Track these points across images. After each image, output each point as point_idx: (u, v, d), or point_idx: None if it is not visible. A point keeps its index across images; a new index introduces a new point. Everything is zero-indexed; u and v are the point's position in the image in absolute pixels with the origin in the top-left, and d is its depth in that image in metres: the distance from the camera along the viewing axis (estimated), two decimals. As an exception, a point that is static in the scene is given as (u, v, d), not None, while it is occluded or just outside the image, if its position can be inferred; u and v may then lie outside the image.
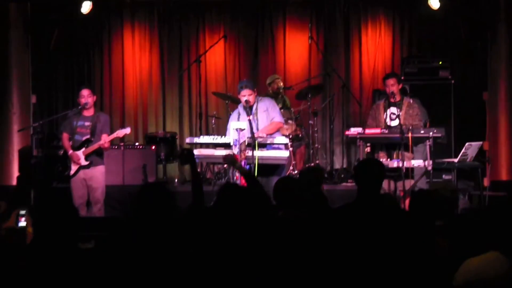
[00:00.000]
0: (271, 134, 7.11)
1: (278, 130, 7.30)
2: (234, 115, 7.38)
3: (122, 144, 9.49)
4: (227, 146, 6.87)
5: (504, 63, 9.43)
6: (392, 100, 7.64)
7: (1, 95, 9.47)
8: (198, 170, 9.54)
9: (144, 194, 3.80)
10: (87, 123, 7.45)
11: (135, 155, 9.09)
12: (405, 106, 7.55)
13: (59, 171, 7.54)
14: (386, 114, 7.64)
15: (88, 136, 7.40)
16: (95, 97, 7.58)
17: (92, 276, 3.21)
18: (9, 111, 9.43)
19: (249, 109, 7.18)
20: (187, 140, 7.40)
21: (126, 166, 8.89)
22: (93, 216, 7.38)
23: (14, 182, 9.24)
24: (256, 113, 7.19)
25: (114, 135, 7.50)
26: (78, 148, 7.39)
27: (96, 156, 7.44)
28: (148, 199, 3.75)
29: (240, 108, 7.30)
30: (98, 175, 7.48)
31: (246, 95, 7.16)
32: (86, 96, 7.41)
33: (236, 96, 9.76)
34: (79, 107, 7.46)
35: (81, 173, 7.41)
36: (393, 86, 7.60)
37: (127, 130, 7.60)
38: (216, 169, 9.34)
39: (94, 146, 7.34)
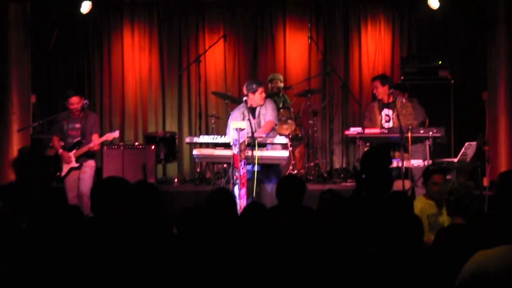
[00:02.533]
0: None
1: (271, 130, 7.34)
2: (236, 114, 7.36)
3: (122, 144, 9.49)
4: (227, 145, 6.87)
5: (504, 63, 9.42)
6: (385, 101, 7.66)
7: (1, 95, 9.47)
8: (198, 170, 9.64)
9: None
10: (77, 125, 7.57)
11: (135, 154, 9.09)
12: (398, 107, 7.54)
13: (51, 172, 7.65)
14: (382, 116, 7.65)
15: (79, 138, 7.51)
16: (83, 100, 7.61)
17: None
18: (9, 111, 9.42)
19: (251, 110, 7.24)
20: (187, 139, 7.40)
21: (126, 166, 8.90)
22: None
23: (13, 182, 9.24)
24: (259, 116, 7.25)
25: (104, 138, 7.59)
26: (70, 150, 7.51)
27: (85, 157, 7.54)
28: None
29: (244, 109, 7.30)
30: (86, 168, 7.58)
31: (263, 91, 7.29)
32: (75, 103, 7.50)
33: (235, 96, 9.80)
34: (69, 111, 7.57)
35: (73, 174, 7.52)
36: (376, 89, 7.63)
37: (116, 134, 7.69)
38: (216, 169, 9.35)
39: (84, 149, 7.46)
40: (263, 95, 7.32)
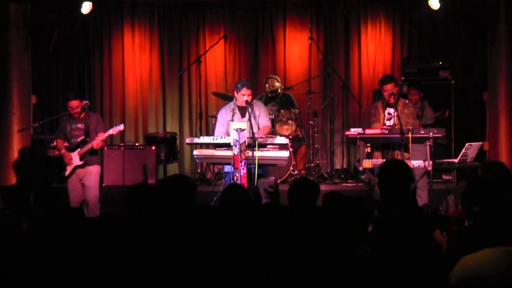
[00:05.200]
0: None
1: (267, 134, 7.35)
2: (227, 112, 7.35)
3: (122, 144, 9.49)
4: (227, 146, 6.87)
5: (504, 63, 9.42)
6: (389, 101, 7.66)
7: (1, 95, 9.47)
8: (199, 170, 9.64)
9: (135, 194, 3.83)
10: (79, 125, 7.57)
11: (135, 155, 9.09)
12: (400, 107, 7.54)
13: (55, 173, 7.64)
14: (384, 115, 7.65)
15: (83, 137, 7.50)
16: (83, 102, 7.61)
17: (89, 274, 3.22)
18: (9, 111, 9.42)
19: (241, 110, 7.23)
20: (187, 140, 7.39)
21: (126, 166, 8.91)
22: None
23: (14, 182, 9.25)
24: (250, 119, 7.21)
25: (109, 132, 7.55)
26: (74, 149, 7.50)
27: (90, 156, 7.53)
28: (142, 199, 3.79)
29: (235, 106, 7.29)
30: (91, 173, 7.56)
31: (246, 94, 7.19)
32: (75, 107, 7.49)
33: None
34: (68, 112, 7.56)
35: (77, 173, 7.51)
36: (391, 90, 7.58)
37: (121, 127, 7.65)
38: (216, 170, 9.34)
39: (88, 146, 7.44)
40: (250, 96, 7.28)
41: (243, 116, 7.23)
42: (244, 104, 7.20)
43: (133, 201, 3.85)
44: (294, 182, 4.91)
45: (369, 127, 7.55)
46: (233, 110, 7.24)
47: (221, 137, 7.02)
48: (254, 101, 7.49)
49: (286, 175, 8.98)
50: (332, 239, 3.50)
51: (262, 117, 7.39)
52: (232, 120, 7.09)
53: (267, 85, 9.72)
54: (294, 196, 4.62)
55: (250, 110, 7.25)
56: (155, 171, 9.18)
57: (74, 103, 7.47)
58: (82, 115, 7.58)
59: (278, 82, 9.75)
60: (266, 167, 7.16)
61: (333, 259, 3.25)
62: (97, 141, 7.40)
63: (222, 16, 10.73)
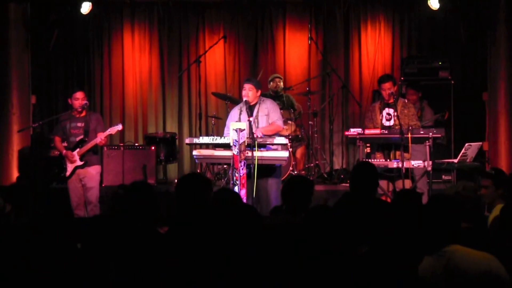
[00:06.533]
0: (268, 136, 7.04)
1: (276, 133, 7.22)
2: (235, 110, 7.29)
3: (122, 144, 9.50)
4: (226, 146, 6.86)
5: (504, 64, 9.42)
6: (387, 101, 7.64)
7: (1, 95, 9.47)
8: (198, 170, 9.63)
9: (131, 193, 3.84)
10: (79, 124, 7.56)
11: (135, 155, 9.11)
12: (399, 106, 7.52)
13: (55, 173, 7.62)
14: (382, 115, 7.63)
15: (82, 136, 7.49)
16: (86, 98, 7.60)
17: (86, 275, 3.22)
18: (9, 111, 9.42)
19: (249, 109, 7.14)
20: (187, 140, 7.37)
21: (126, 166, 8.92)
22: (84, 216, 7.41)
23: (13, 182, 9.24)
24: (257, 116, 7.13)
25: (107, 132, 7.55)
26: (73, 149, 7.49)
27: (91, 156, 7.52)
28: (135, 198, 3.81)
29: (243, 106, 7.21)
30: (92, 174, 7.55)
31: (246, 88, 7.12)
32: (81, 99, 7.48)
33: (235, 97, 9.78)
34: (72, 110, 7.54)
35: (77, 173, 7.48)
36: (389, 89, 7.55)
37: (119, 127, 7.66)
38: (216, 170, 9.35)
39: (88, 145, 7.44)
40: (250, 91, 7.15)
41: (250, 115, 7.15)
42: (244, 104, 7.15)
43: (133, 198, 3.86)
44: (288, 180, 4.90)
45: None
46: (241, 109, 7.18)
47: (221, 137, 7.00)
48: (263, 99, 7.32)
49: (286, 175, 8.97)
50: (335, 238, 3.50)
51: (273, 115, 7.18)
52: (239, 120, 7.05)
53: (272, 83, 9.61)
54: (287, 194, 4.62)
55: (256, 112, 7.15)
56: (154, 171, 9.20)
57: (80, 94, 7.48)
58: (83, 114, 7.57)
59: (281, 82, 9.72)
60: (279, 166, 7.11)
61: (333, 259, 3.25)
62: (99, 139, 7.41)
63: (222, 16, 10.73)
